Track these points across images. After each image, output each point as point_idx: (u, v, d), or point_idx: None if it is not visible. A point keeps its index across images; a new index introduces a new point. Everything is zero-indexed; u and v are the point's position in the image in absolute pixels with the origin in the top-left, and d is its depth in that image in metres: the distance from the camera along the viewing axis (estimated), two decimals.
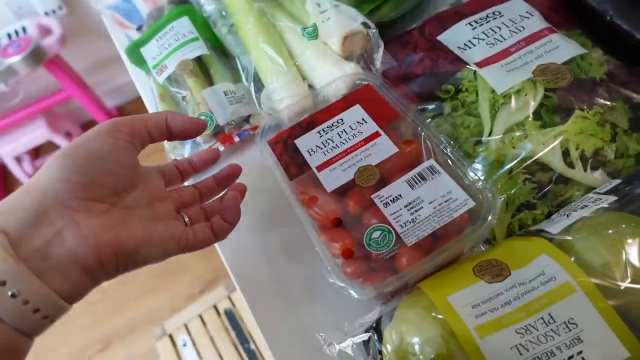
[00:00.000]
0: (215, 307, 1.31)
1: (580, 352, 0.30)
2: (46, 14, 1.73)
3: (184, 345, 1.24)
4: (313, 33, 0.50)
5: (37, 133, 1.85)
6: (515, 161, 0.43)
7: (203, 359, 1.21)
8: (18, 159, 1.93)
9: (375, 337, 0.36)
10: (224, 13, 0.57)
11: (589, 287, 0.32)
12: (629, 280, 0.32)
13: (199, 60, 0.57)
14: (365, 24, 0.51)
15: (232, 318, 1.27)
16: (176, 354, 1.24)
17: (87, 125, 2.16)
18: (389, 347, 0.34)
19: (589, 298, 0.31)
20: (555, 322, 0.31)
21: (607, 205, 0.37)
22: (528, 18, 0.51)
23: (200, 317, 1.29)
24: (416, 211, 0.37)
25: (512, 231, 0.42)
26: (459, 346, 0.31)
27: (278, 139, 0.46)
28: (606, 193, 0.39)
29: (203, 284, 1.59)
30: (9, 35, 1.60)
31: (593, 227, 0.36)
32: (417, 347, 0.32)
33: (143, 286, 1.62)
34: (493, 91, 0.46)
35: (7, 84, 1.54)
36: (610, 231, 0.35)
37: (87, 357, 1.52)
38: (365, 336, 0.36)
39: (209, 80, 0.56)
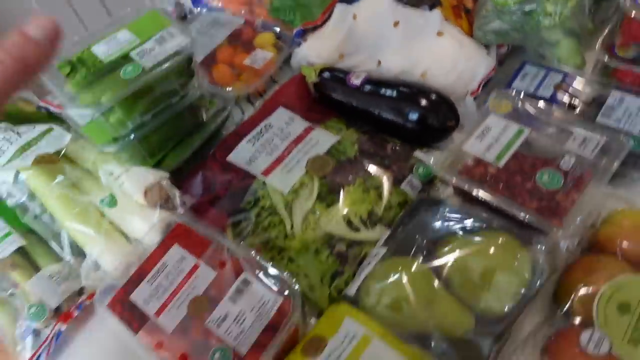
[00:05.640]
0: None
1: None
2: None
3: None
4: (112, 202, 0.56)
5: None
6: (317, 242, 0.53)
7: None
8: None
9: None
10: (29, 200, 0.60)
11: (380, 331, 0.41)
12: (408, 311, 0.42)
13: (20, 249, 0.58)
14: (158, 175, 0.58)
15: None
16: None
17: None
18: None
19: (384, 340, 0.40)
20: None
21: (381, 256, 0.48)
22: (291, 124, 0.63)
23: None
24: (242, 323, 0.44)
25: (333, 298, 0.51)
26: None
27: (115, 300, 0.49)
28: (383, 245, 0.50)
29: None
30: None
31: (376, 278, 0.46)
32: None
33: None
34: (282, 193, 0.56)
35: None
36: (390, 279, 0.45)
37: None
38: None
39: (35, 266, 0.58)
